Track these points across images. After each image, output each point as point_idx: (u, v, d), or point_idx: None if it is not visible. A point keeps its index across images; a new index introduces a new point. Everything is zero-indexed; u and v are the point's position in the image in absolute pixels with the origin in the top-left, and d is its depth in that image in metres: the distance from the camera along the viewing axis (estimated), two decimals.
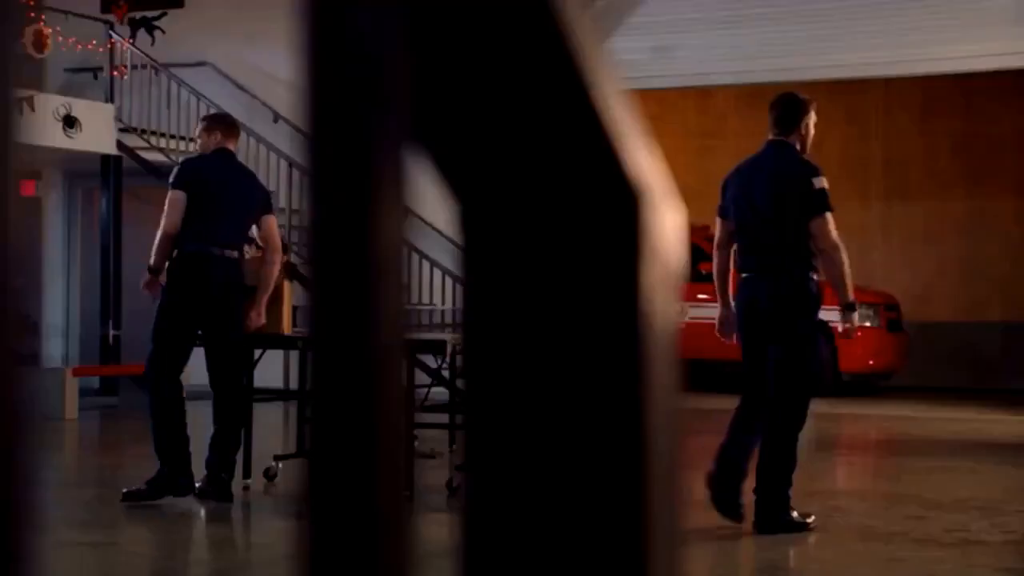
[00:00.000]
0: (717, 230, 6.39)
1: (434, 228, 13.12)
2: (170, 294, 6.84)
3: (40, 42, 13.16)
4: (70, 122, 13.31)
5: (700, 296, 14.49)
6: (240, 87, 14.62)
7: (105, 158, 13.89)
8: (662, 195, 0.77)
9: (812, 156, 6.34)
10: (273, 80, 13.75)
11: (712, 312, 15.79)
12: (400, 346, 0.58)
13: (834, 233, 6.01)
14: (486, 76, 0.69)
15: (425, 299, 13.69)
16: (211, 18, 14.87)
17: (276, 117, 14.04)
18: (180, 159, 7.37)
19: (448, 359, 7.94)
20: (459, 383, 6.40)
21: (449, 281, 13.54)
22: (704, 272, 14.56)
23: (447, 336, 7.47)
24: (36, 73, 14.01)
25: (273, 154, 13.96)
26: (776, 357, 6.07)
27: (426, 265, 13.61)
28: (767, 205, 6.08)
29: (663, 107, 16.89)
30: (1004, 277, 16.08)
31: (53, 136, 12.83)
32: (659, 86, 14.85)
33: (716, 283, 6.38)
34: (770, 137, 6.23)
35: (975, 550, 5.80)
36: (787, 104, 6.23)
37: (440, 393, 8.65)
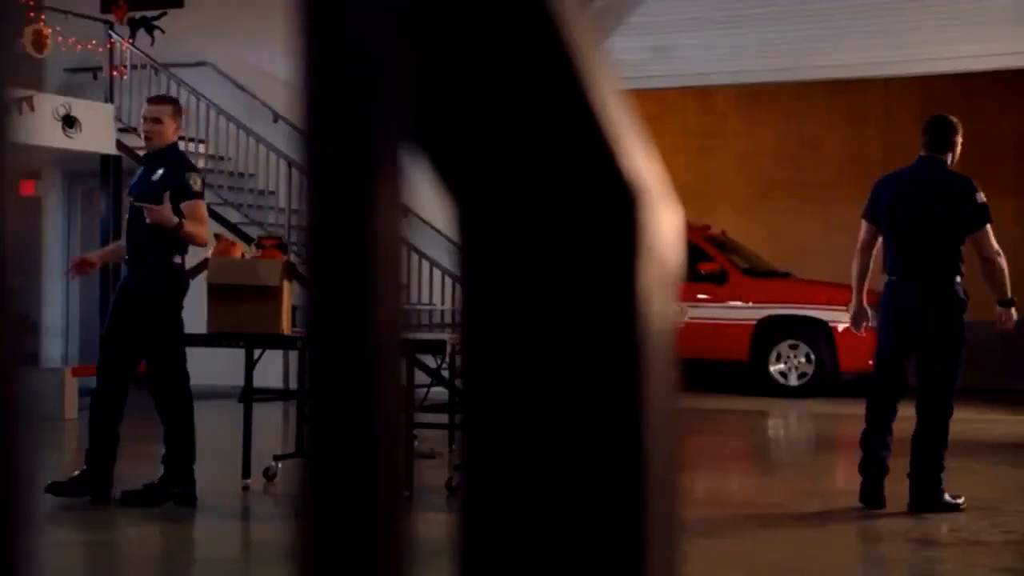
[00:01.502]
0: (863, 232, 7.00)
1: (433, 228, 13.11)
2: (170, 306, 6.87)
3: (40, 42, 13.16)
4: (70, 122, 13.31)
5: (699, 296, 14.49)
6: (240, 87, 14.62)
7: (105, 158, 13.89)
8: (660, 195, 0.77)
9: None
10: (273, 80, 13.74)
11: (710, 312, 15.62)
12: (398, 345, 0.58)
13: (995, 242, 6.81)
14: (484, 76, 0.69)
15: (425, 299, 13.69)
16: (211, 18, 14.87)
17: (276, 117, 14.04)
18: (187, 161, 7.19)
19: (448, 359, 7.94)
20: (458, 383, 6.40)
21: (449, 281, 13.54)
22: (703, 272, 14.60)
23: (447, 336, 7.46)
24: (36, 73, 14.01)
25: (273, 154, 13.97)
26: (929, 355, 6.72)
27: (425, 265, 13.60)
28: (929, 216, 6.73)
29: (663, 107, 16.86)
30: None
31: (53, 136, 12.82)
32: (659, 86, 14.82)
33: (855, 281, 7.02)
34: (922, 154, 6.92)
35: (975, 550, 5.80)
36: (940, 125, 6.96)
37: (440, 393, 8.64)
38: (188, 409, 6.85)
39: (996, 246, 6.79)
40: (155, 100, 7.37)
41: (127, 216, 7.08)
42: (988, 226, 6.80)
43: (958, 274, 6.73)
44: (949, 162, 6.91)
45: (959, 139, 6.94)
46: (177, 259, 6.86)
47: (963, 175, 6.93)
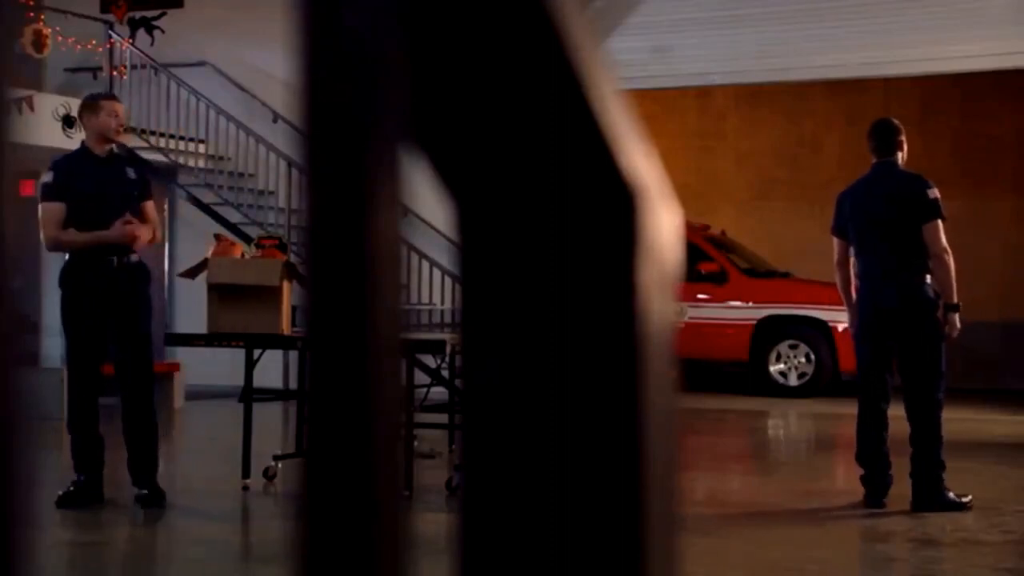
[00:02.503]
0: (836, 249, 7.14)
1: (433, 227, 13.12)
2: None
3: (40, 42, 13.16)
4: (69, 122, 13.31)
5: (699, 296, 14.48)
6: (240, 87, 14.62)
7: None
8: (659, 195, 0.78)
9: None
10: (272, 80, 13.75)
11: (710, 312, 15.66)
12: (397, 345, 0.58)
13: (944, 239, 6.80)
14: (483, 76, 0.69)
15: (425, 299, 13.69)
16: (210, 18, 14.87)
17: (276, 117, 14.05)
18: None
19: (447, 359, 7.94)
20: (458, 383, 6.36)
21: (448, 281, 13.54)
22: (703, 272, 14.59)
23: (446, 336, 7.46)
24: (35, 73, 14.01)
25: (273, 154, 13.97)
26: (908, 356, 6.84)
27: (425, 264, 13.60)
28: (887, 216, 6.84)
29: (662, 107, 16.86)
30: (1003, 277, 16.07)
31: (53, 136, 12.82)
32: (658, 86, 14.82)
33: (843, 294, 7.14)
34: (874, 160, 7.06)
35: (975, 550, 5.80)
36: (884, 128, 7.09)
37: (440, 393, 8.64)
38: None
39: (945, 244, 6.81)
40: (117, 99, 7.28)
41: (102, 210, 6.74)
42: (939, 222, 6.84)
43: (927, 273, 6.82)
44: (899, 161, 7.04)
45: (903, 138, 7.06)
46: None
47: (915, 173, 7.03)
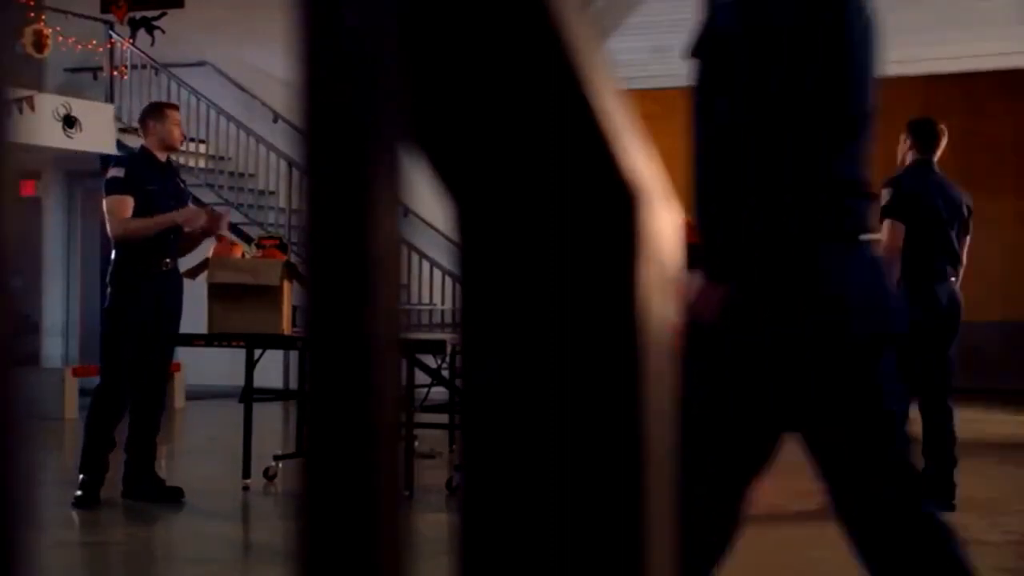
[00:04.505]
0: (894, 232, 6.76)
1: (433, 227, 13.12)
2: None
3: (40, 42, 13.17)
4: (70, 122, 13.32)
5: None
6: (240, 87, 14.63)
7: (105, 158, 13.90)
8: (658, 195, 0.78)
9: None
10: (272, 80, 13.75)
11: None
12: (397, 344, 0.58)
13: None
14: (483, 76, 0.69)
15: (425, 299, 13.70)
16: (211, 18, 14.88)
17: (276, 117, 14.05)
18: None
19: (448, 359, 7.94)
20: (458, 383, 6.31)
21: (449, 281, 13.54)
22: None
23: (447, 336, 7.46)
24: (36, 73, 14.01)
25: (273, 154, 13.97)
26: (944, 357, 6.81)
27: (426, 265, 13.61)
28: (947, 219, 6.86)
29: (663, 107, 16.83)
30: (1003, 277, 16.06)
31: (53, 136, 12.83)
32: (658, 86, 14.81)
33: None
34: (923, 157, 7.15)
35: (975, 550, 5.78)
36: (931, 128, 7.35)
37: (440, 393, 8.65)
38: None
39: None
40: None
41: (164, 212, 6.90)
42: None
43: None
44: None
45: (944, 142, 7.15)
46: None
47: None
